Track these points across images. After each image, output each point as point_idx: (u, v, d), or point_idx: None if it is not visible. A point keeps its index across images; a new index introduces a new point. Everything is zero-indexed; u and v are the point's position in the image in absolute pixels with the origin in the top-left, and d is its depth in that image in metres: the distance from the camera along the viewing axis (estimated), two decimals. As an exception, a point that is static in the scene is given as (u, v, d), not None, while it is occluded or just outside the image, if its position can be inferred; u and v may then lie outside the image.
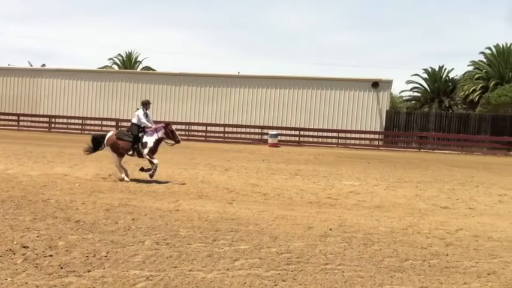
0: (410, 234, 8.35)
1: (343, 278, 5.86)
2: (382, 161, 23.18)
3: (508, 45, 45.74)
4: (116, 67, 56.99)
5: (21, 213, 8.68)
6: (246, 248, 6.96)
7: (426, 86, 52.61)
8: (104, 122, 36.09)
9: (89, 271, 5.72)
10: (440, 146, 32.99)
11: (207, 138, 33.55)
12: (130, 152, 13.33)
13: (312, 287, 5.54)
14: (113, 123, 35.71)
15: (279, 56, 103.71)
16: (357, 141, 33.18)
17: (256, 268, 6.07)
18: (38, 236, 7.10)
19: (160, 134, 13.17)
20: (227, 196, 11.46)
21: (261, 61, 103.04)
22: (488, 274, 6.23)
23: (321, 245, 7.28)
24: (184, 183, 12.97)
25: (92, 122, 36.49)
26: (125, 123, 35.04)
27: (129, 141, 13.23)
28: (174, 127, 13.53)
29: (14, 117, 37.60)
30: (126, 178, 13.03)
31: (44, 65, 50.30)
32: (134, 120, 13.46)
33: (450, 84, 51.60)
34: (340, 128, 33.80)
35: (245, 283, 5.53)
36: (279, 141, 31.67)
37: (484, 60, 47.45)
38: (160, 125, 13.38)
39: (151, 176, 12.88)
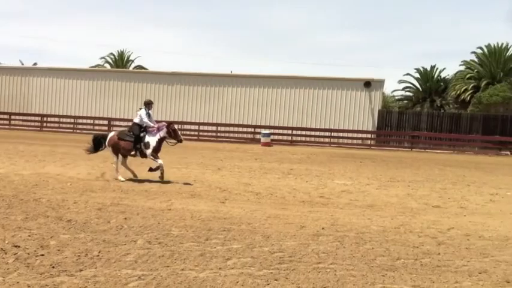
0: (402, 233, 8.39)
1: (336, 276, 5.88)
2: (374, 160, 23.24)
3: (500, 45, 46.00)
4: (108, 66, 56.79)
5: (12, 212, 8.64)
6: (238, 247, 6.97)
7: (418, 86, 52.77)
8: (96, 121, 35.97)
9: (81, 270, 5.71)
10: (432, 146, 33.09)
11: (200, 138, 33.48)
12: (132, 153, 13.29)
13: (304, 286, 5.55)
14: (105, 122, 35.61)
15: (272, 56, 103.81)
16: (349, 141, 33.21)
17: (248, 267, 6.08)
18: (29, 236, 7.08)
19: (163, 133, 13.14)
20: (220, 195, 11.46)
21: (254, 61, 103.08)
22: (480, 273, 6.27)
23: (313, 244, 7.30)
24: (176, 183, 12.95)
25: (84, 121, 36.31)
26: (117, 122, 35.06)
27: (131, 141, 13.19)
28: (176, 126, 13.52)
29: (6, 116, 37.36)
30: (132, 176, 13.20)
31: (35, 64, 50.02)
32: (136, 120, 13.42)
33: (442, 83, 51.77)
34: (332, 128, 33.82)
35: (237, 282, 5.54)
36: (272, 140, 31.66)
37: (476, 60, 47.66)
38: (162, 124, 13.35)
39: (161, 178, 12.81)
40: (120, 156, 13.41)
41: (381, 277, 5.94)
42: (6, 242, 6.69)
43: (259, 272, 5.90)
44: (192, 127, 34.11)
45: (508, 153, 31.68)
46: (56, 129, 35.63)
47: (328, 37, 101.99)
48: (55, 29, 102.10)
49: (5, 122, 37.03)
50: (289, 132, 33.72)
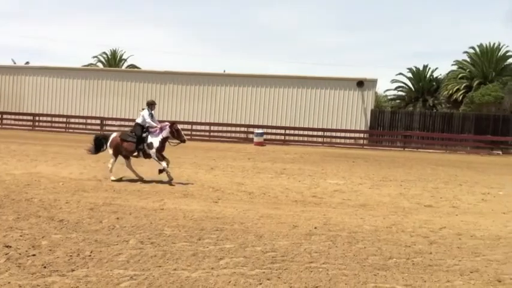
0: (395, 232, 8.42)
1: (328, 276, 5.89)
2: (367, 159, 23.30)
3: (492, 44, 46.21)
4: (100, 65, 56.59)
5: (4, 212, 8.60)
6: (231, 246, 6.97)
7: (410, 85, 52.91)
8: (89, 121, 35.84)
9: (73, 270, 5.69)
10: (424, 145, 33.19)
11: (193, 137, 33.37)
12: (135, 154, 13.24)
13: (296, 285, 5.56)
14: (98, 121, 35.51)
15: (265, 55, 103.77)
16: (342, 140, 33.25)
17: (241, 267, 6.08)
18: (21, 236, 7.05)
19: (165, 133, 13.09)
20: (212, 195, 11.46)
21: (247, 60, 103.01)
22: (471, 272, 6.30)
23: (305, 244, 7.31)
24: (169, 182, 12.92)
25: (76, 120, 36.19)
26: (109, 122, 34.98)
27: (133, 142, 13.14)
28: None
29: (-3, 116, 37.21)
30: (138, 176, 13.17)
31: (27, 63, 49.77)
32: (139, 120, 13.36)
33: (434, 83, 51.93)
34: (325, 127, 33.86)
35: (230, 282, 5.54)
36: (265, 140, 31.67)
37: (468, 59, 47.86)
38: (165, 124, 13.32)
39: (170, 179, 12.77)
40: (121, 158, 13.32)
41: (373, 276, 5.96)
42: (-2, 242, 6.66)
43: (252, 272, 5.90)
44: (185, 126, 34.01)
45: (500, 152, 31.85)
46: (49, 129, 35.49)
47: (321, 37, 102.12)
48: (45, 27, 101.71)
49: (-3, 121, 36.85)
50: (282, 131, 33.74)
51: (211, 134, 34.07)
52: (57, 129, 35.23)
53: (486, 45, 46.40)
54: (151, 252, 6.53)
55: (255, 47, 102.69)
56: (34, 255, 6.20)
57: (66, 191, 11.02)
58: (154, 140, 13.06)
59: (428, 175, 17.79)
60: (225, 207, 9.94)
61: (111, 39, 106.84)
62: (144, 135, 13.15)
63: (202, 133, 34.13)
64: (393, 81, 53.81)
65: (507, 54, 46.05)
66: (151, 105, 13.61)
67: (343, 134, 33.40)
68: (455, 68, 49.12)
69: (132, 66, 56.56)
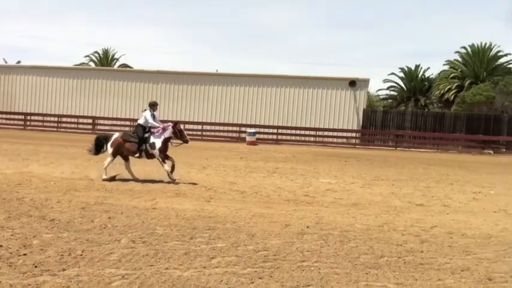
0: (386, 231, 8.44)
1: (320, 275, 5.90)
2: (359, 159, 23.35)
3: (483, 44, 46.43)
4: (92, 64, 56.38)
5: (-6, 211, 8.56)
6: (223, 246, 6.97)
7: (402, 85, 53.11)
8: (80, 120, 35.73)
9: (64, 270, 5.67)
10: (416, 145, 33.31)
11: (185, 136, 33.36)
12: (137, 155, 13.18)
13: (288, 284, 5.56)
14: (89, 120, 35.40)
15: (258, 55, 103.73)
16: (334, 140, 33.32)
17: (233, 266, 6.08)
18: (12, 235, 7.02)
19: (167, 133, 13.07)
20: (205, 194, 11.45)
21: (240, 60, 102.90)
22: (462, 270, 6.33)
23: (297, 243, 7.32)
24: (161, 181, 12.90)
25: (68, 119, 36.08)
26: (101, 121, 34.86)
27: (136, 142, 13.09)
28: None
29: (-12, 115, 37.00)
30: (134, 177, 13.06)
31: (19, 62, 49.53)
32: (141, 121, 13.32)
33: (426, 83, 52.13)
34: (317, 127, 33.94)
35: (222, 281, 5.54)
36: (257, 139, 31.70)
37: (460, 59, 48.07)
38: (168, 124, 13.29)
39: (173, 180, 12.74)
40: (119, 159, 13.27)
41: (365, 275, 5.97)
42: (-12, 241, 6.62)
43: (244, 271, 5.91)
44: (177, 126, 33.96)
45: (491, 152, 32.02)
46: (40, 128, 35.34)
47: (313, 36, 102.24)
48: (37, 25, 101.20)
49: (-12, 120, 36.64)
50: (275, 131, 33.79)
51: (204, 133, 34.01)
52: (49, 129, 35.08)
53: (477, 45, 46.63)
54: (143, 251, 6.51)
55: (250, 47, 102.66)
56: (25, 254, 6.17)
57: (58, 191, 10.98)
58: (157, 141, 13.03)
59: (420, 174, 17.86)
60: (217, 206, 9.93)
61: (105, 39, 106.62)
62: (146, 135, 13.11)
63: (195, 132, 34.01)
64: (385, 80, 54.06)
65: (498, 54, 46.32)
66: (153, 105, 13.59)
67: (335, 134, 33.49)
68: (447, 67, 49.35)
69: (125, 65, 56.38)
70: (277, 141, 32.99)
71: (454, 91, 45.50)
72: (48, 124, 35.85)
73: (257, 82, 35.18)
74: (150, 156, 13.15)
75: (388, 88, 54.40)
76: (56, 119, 36.14)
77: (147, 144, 13.05)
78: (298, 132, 33.70)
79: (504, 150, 32.59)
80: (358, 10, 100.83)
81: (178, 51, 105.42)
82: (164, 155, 13.07)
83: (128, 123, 34.41)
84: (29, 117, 36.54)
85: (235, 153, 23.89)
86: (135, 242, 6.97)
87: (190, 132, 33.71)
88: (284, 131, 33.73)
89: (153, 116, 13.36)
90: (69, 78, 37.39)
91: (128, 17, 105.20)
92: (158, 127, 13.20)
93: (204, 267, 5.97)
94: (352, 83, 34.13)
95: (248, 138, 31.31)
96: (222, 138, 33.37)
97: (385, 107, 50.32)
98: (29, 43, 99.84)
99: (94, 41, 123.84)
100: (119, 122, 34.53)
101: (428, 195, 12.83)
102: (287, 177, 15.16)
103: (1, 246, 6.43)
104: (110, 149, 13.21)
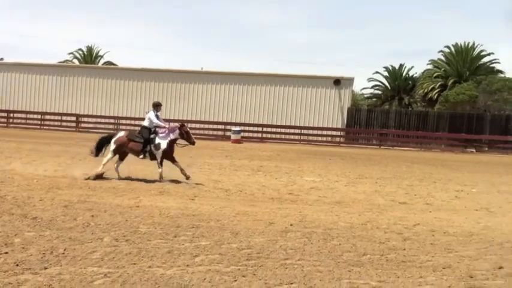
0: (369, 229, 8.49)
1: (303, 272, 5.92)
2: (343, 157, 23.46)
3: (466, 44, 46.83)
4: (76, 61, 55.94)
5: (-25, 210, 8.46)
6: (206, 244, 6.96)
7: (387, 84, 53.45)
8: (64, 118, 35.45)
9: (46, 268, 5.63)
10: (399, 143, 33.56)
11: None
12: (141, 156, 13.09)
13: (271, 282, 5.57)
14: (73, 118, 35.14)
15: (242, 53, 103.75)
16: (319, 138, 33.42)
17: (216, 264, 6.08)
18: (-7, 233, 6.95)
19: (173, 135, 13.03)
20: (189, 192, 11.42)
21: (225, 57, 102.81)
22: (444, 268, 6.39)
23: (281, 241, 7.34)
24: (145, 180, 12.85)
25: (52, 117, 35.79)
26: (85, 119, 34.61)
27: (141, 142, 13.00)
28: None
29: (-30, 112, 36.56)
30: (119, 178, 12.90)
31: (1, 59, 49.00)
32: (145, 123, 13.23)
33: (410, 82, 52.53)
34: (302, 125, 34.04)
35: (205, 279, 5.54)
36: (242, 137, 31.71)
37: (443, 58, 48.47)
38: (174, 126, 13.23)
39: (187, 176, 12.70)
40: (117, 157, 13.19)
41: (347, 272, 6.01)
42: (-31, 240, 6.55)
43: (227, 269, 5.91)
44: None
45: (474, 150, 32.35)
46: (23, 126, 35.03)
47: (298, 35, 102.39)
48: (20, 22, 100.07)
49: (-30, 118, 36.21)
50: (259, 129, 33.81)
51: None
52: (32, 126, 34.80)
53: (461, 44, 47.04)
54: (126, 249, 6.49)
55: (233, 45, 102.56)
56: (6, 253, 6.11)
57: (40, 189, 10.88)
58: (163, 142, 12.96)
59: (404, 173, 17.99)
60: (202, 205, 9.92)
61: (89, 36, 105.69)
62: (151, 136, 13.04)
63: (179, 130, 33.93)
64: (370, 79, 54.38)
65: (481, 53, 46.75)
66: (157, 106, 13.52)
67: (320, 132, 33.59)
68: (430, 67, 49.75)
69: (109, 63, 56.02)
70: (262, 140, 33.03)
71: (437, 90, 45.88)
72: (31, 122, 35.56)
73: (242, 80, 35.17)
74: (154, 157, 13.09)
75: (372, 87, 54.80)
76: (39, 116, 35.84)
77: (152, 145, 12.99)
78: (283, 130, 33.80)
79: (486, 148, 32.96)
80: (343, 9, 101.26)
81: (164, 49, 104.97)
82: (172, 158, 13.00)
83: (112, 120, 34.28)
84: (11, 115, 36.19)
85: (220, 151, 23.86)
86: (118, 240, 6.93)
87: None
88: (269, 129, 33.77)
89: (157, 117, 13.31)
90: (52, 75, 37.06)
91: (113, 14, 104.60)
92: (164, 127, 13.15)
93: (188, 265, 5.96)
94: (337, 82, 34.26)
95: (233, 137, 31.32)
96: (207, 137, 33.29)
97: (370, 106, 50.61)
98: (11, 40, 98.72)
99: (78, 38, 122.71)
100: (103, 120, 34.32)
101: (411, 194, 12.93)
102: (271, 176, 15.18)
103: (-18, 244, 6.37)
104: (113, 145, 13.15)
